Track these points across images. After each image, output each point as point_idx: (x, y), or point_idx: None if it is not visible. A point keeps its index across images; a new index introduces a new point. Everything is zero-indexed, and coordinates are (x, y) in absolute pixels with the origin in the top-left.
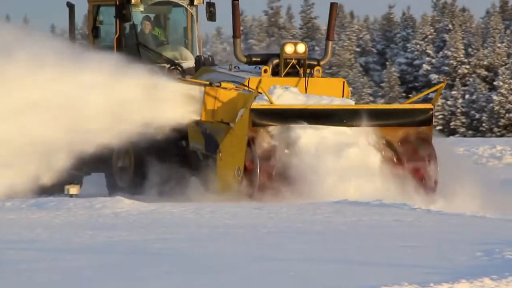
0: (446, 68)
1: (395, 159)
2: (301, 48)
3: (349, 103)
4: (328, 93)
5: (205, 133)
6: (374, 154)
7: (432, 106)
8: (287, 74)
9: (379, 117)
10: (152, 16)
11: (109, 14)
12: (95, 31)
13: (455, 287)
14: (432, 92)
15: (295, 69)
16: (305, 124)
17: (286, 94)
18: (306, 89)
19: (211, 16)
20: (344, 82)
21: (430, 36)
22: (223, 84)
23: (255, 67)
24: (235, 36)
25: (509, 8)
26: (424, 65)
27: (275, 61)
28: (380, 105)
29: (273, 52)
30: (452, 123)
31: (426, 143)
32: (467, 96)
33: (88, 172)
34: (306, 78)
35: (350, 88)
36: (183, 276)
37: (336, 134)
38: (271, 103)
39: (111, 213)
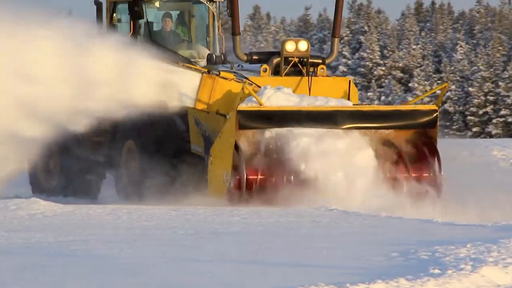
0: (362, 69)
1: (397, 163)
2: (303, 45)
3: (347, 104)
4: (333, 94)
5: (204, 135)
6: (372, 158)
7: (436, 108)
8: (289, 73)
9: (378, 119)
10: (175, 13)
11: (126, 12)
12: (111, 29)
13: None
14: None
15: (298, 68)
16: (296, 127)
17: (277, 95)
18: (309, 89)
19: None
20: (350, 81)
21: (346, 38)
22: (222, 74)
23: (261, 66)
24: (234, 33)
25: (424, 10)
26: (340, 66)
27: (276, 59)
28: (380, 106)
29: (275, 50)
30: None
31: (431, 146)
32: (382, 98)
33: (102, 176)
34: (309, 78)
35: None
36: (99, 277)
37: (329, 137)
38: (260, 104)
39: (26, 214)
